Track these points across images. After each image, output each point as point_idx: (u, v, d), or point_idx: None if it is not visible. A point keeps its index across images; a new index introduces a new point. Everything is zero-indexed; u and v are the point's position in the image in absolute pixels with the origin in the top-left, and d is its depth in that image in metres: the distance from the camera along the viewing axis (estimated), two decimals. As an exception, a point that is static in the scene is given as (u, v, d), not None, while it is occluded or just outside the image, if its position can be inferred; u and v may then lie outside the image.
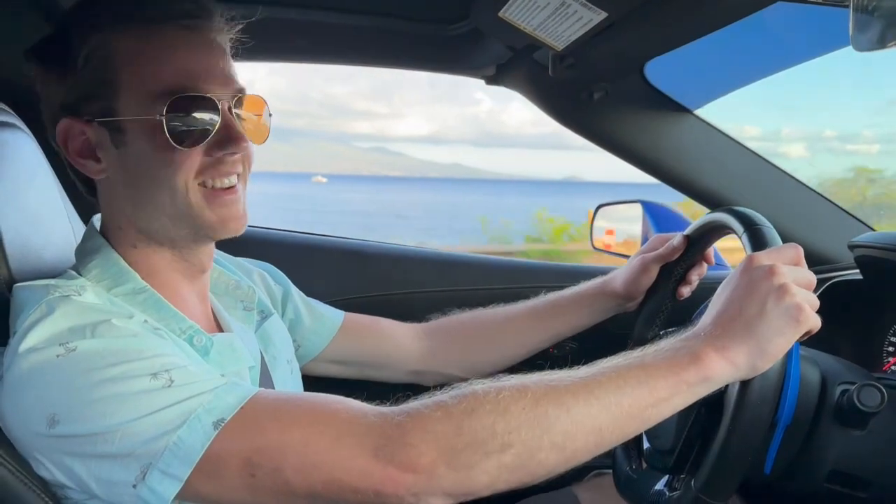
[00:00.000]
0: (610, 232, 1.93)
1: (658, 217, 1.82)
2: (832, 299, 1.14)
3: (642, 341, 1.25)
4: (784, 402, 0.89)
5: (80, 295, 0.82)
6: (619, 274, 1.28)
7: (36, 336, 0.76)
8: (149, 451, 0.72)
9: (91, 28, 0.84)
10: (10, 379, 0.77)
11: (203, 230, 0.89)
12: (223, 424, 0.74)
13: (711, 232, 1.15)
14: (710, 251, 1.23)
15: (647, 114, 1.46)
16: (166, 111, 0.82)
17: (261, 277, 1.21)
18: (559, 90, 1.43)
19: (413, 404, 0.78)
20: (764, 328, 0.81)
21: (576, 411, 0.77)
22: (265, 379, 1.03)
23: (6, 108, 1.02)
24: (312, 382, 1.23)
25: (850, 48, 0.76)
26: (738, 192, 1.51)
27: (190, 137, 0.84)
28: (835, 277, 1.32)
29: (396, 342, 1.30)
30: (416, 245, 1.85)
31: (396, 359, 1.31)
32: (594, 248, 1.94)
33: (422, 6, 1.32)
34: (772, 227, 0.95)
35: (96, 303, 0.83)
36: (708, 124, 1.51)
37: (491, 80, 1.53)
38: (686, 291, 1.25)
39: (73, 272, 0.89)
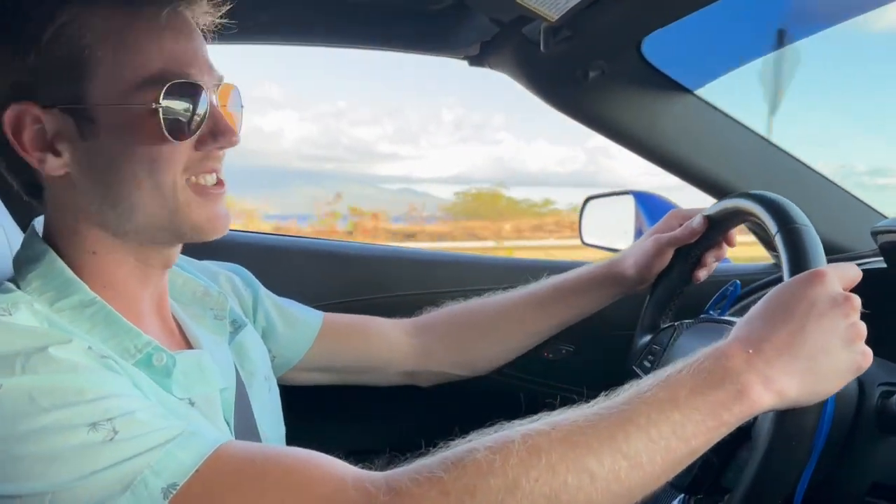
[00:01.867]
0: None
1: (652, 208, 1.73)
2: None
3: (653, 328, 1.15)
4: (820, 432, 0.78)
5: (10, 315, 0.69)
6: (630, 255, 1.17)
7: None
8: None
9: (60, 0, 0.71)
10: None
11: (188, 232, 0.79)
12: (175, 492, 0.61)
13: (736, 216, 1.04)
14: (733, 233, 1.13)
15: (645, 94, 1.36)
16: (162, 99, 0.72)
17: (228, 281, 1.08)
18: (551, 68, 1.31)
19: (400, 476, 0.64)
20: (825, 366, 0.71)
21: (601, 476, 0.64)
22: (241, 399, 0.90)
23: None
24: (293, 394, 1.10)
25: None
26: (742, 176, 1.42)
27: (184, 129, 0.74)
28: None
29: (386, 342, 1.18)
30: (399, 245, 1.73)
31: (387, 361, 1.19)
32: (584, 243, 1.85)
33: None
34: (812, 227, 0.83)
35: (30, 325, 0.70)
36: (709, 105, 1.41)
37: (474, 61, 1.40)
38: (703, 275, 1.15)
39: (11, 284, 0.77)
